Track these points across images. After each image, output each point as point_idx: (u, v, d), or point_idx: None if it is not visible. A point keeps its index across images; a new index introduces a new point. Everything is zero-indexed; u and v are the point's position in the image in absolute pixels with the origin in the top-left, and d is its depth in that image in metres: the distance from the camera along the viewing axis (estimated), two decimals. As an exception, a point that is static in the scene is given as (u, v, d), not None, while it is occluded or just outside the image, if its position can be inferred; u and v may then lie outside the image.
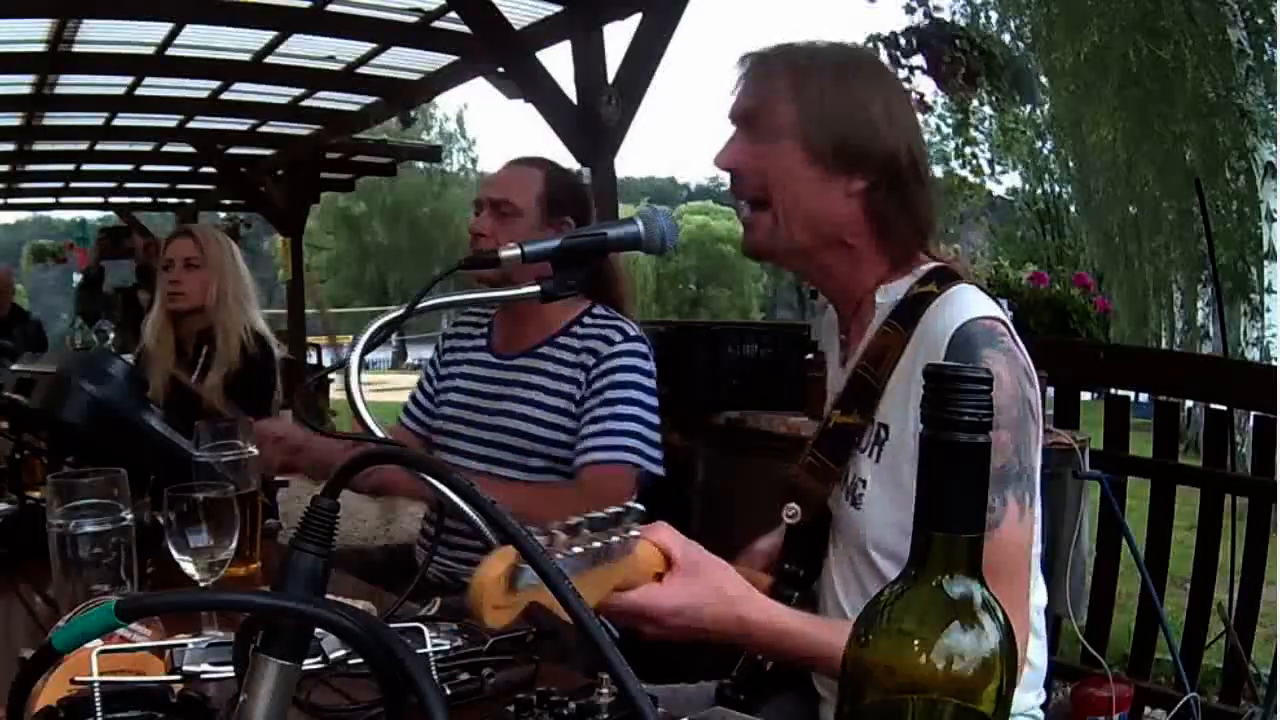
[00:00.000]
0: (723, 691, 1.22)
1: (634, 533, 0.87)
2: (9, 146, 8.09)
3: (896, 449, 1.14)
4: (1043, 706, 1.27)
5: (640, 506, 0.87)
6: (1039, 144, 14.17)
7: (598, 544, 0.83)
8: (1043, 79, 10.71)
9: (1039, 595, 1.22)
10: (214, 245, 2.87)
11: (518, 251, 1.22)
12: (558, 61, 4.66)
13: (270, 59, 6.08)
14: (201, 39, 5.61)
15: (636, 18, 4.41)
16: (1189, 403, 3.74)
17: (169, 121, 7.53)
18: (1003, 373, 1.07)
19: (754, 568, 1.35)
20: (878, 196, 1.18)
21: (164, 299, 2.85)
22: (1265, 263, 9.14)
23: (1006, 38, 10.44)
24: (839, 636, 1.03)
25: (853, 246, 1.21)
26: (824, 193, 1.18)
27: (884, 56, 4.21)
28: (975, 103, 4.41)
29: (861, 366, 1.20)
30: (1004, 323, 1.12)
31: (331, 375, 1.43)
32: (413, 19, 5.39)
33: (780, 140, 1.18)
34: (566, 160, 4.69)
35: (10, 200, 11.25)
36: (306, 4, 5.17)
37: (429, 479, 1.12)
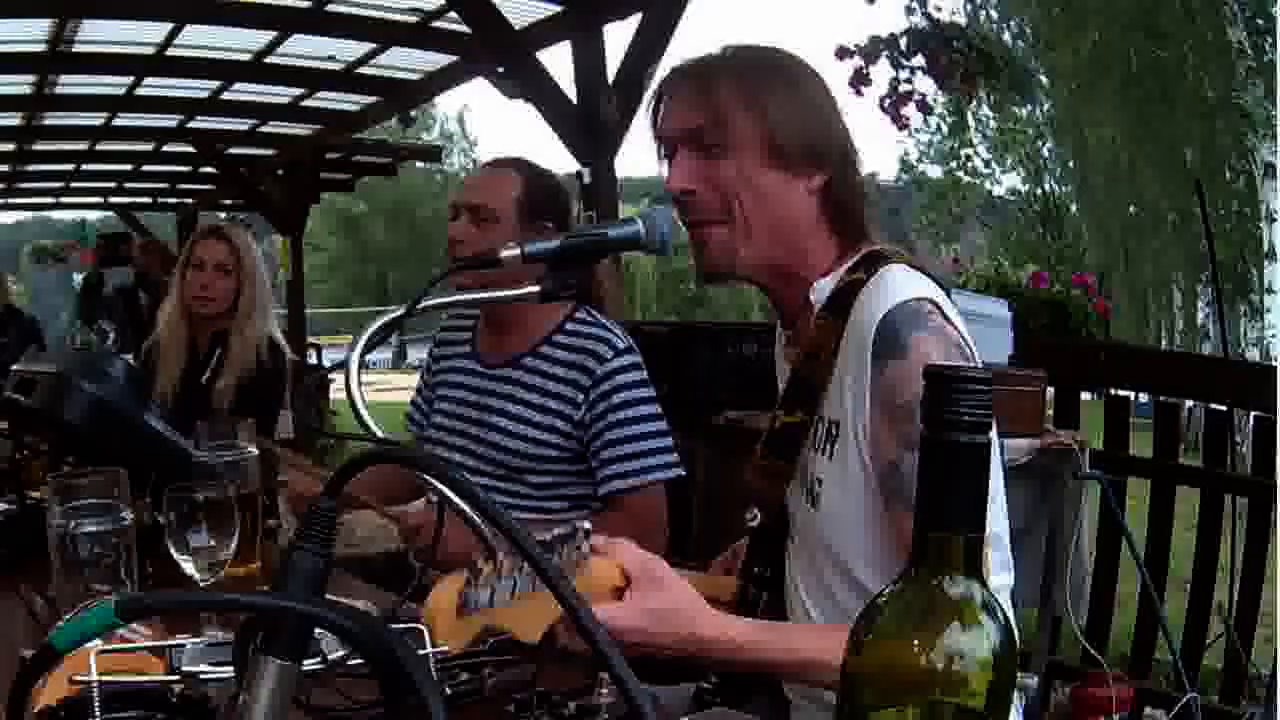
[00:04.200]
0: (700, 695, 1.22)
1: (584, 550, 0.88)
2: (9, 146, 8.07)
3: (844, 442, 1.14)
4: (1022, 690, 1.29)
5: (587, 525, 0.88)
6: (1039, 144, 14.17)
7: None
8: (1043, 79, 10.70)
9: (1006, 578, 1.22)
10: (248, 253, 2.80)
11: (518, 251, 1.21)
12: (558, 61, 4.66)
13: (270, 59, 6.07)
14: (201, 39, 5.60)
15: (636, 18, 4.40)
16: (1189, 403, 3.73)
17: (169, 121, 7.52)
18: (932, 353, 1.07)
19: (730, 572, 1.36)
20: (836, 187, 1.19)
21: (187, 299, 2.77)
22: (1265, 263, 9.12)
23: (1006, 37, 10.42)
24: (795, 643, 1.04)
25: (806, 245, 1.21)
26: (787, 194, 1.18)
27: (884, 57, 4.22)
28: (975, 103, 4.41)
29: (801, 364, 1.20)
30: (931, 300, 1.12)
31: (331, 375, 1.43)
32: (413, 19, 5.38)
33: (739, 150, 1.17)
34: (566, 160, 4.69)
35: (10, 200, 11.24)
36: (306, 4, 5.17)
37: (429, 479, 1.11)
